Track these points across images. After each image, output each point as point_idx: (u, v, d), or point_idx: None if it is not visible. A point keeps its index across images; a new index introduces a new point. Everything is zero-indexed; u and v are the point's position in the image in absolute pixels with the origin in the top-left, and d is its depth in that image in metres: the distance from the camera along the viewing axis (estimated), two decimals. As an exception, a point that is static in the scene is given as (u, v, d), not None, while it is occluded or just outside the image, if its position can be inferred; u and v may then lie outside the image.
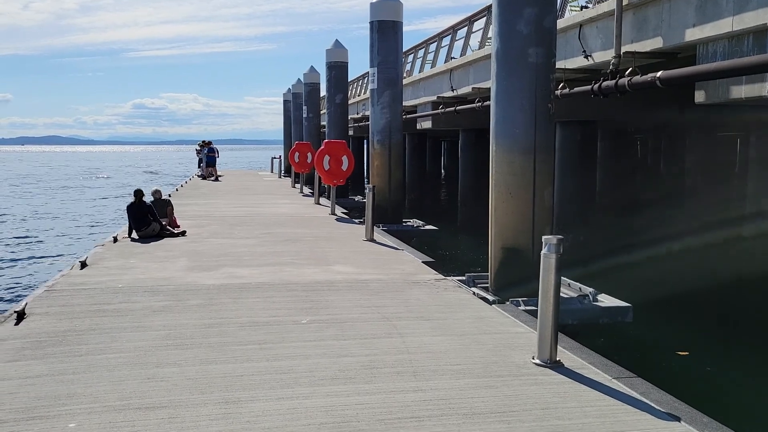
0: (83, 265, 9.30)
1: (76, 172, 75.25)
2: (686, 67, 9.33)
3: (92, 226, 26.08)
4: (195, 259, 10.07)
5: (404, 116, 20.19)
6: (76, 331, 6.14)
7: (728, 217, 16.27)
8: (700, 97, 9.65)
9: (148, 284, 8.23)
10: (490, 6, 9.65)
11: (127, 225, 12.31)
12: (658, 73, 9.44)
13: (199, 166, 32.12)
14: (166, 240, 11.88)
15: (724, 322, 11.33)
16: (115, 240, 11.74)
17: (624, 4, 10.47)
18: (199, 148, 32.52)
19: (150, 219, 12.06)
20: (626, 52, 10.52)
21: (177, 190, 24.11)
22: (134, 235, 12.05)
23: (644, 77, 9.78)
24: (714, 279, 13.13)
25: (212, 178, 30.41)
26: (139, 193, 12.23)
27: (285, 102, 40.82)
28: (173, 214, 13.09)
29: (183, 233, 12.50)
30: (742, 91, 8.79)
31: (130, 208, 12.13)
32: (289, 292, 7.92)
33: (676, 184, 19.58)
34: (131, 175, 68.13)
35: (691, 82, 9.51)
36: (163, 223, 12.47)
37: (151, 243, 11.54)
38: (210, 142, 33.07)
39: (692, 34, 9.45)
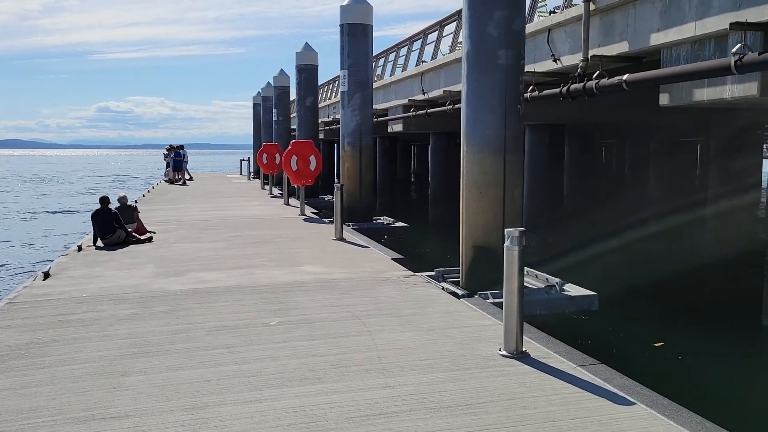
0: (46, 275, 9.05)
1: (35, 177, 73.40)
2: (651, 70, 9.52)
3: (53, 236, 25.22)
4: (162, 265, 9.89)
5: (375, 119, 20.21)
6: (38, 343, 5.96)
7: (685, 220, 16.70)
8: (664, 99, 9.84)
9: (114, 292, 8.04)
10: (461, 11, 9.71)
11: (92, 233, 12.03)
12: (625, 76, 9.61)
13: (166, 170, 31.71)
14: (132, 247, 11.64)
15: (680, 308, 11.69)
16: (80, 249, 11.44)
17: (591, 9, 10.63)
18: (166, 152, 32.09)
19: (115, 226, 11.80)
20: (594, 56, 10.69)
21: (144, 195, 23.70)
22: (99, 243, 11.77)
23: (611, 80, 9.95)
24: (668, 270, 13.54)
25: (180, 182, 30.02)
26: (104, 200, 11.94)
27: (255, 105, 40.57)
28: (140, 219, 12.88)
29: (150, 239, 12.27)
30: (704, 93, 8.98)
31: (96, 216, 11.83)
32: (258, 295, 7.84)
33: (641, 188, 20.00)
34: (93, 180, 66.07)
35: (656, 84, 9.70)
36: (130, 229, 12.27)
37: (117, 250, 11.30)
38: (182, 146, 32.90)
39: (657, 39, 9.64)
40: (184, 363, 5.36)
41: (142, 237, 12.26)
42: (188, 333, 6.25)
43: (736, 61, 7.61)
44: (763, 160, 19.68)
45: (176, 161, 30.67)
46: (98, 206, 11.92)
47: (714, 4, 8.64)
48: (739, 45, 7.71)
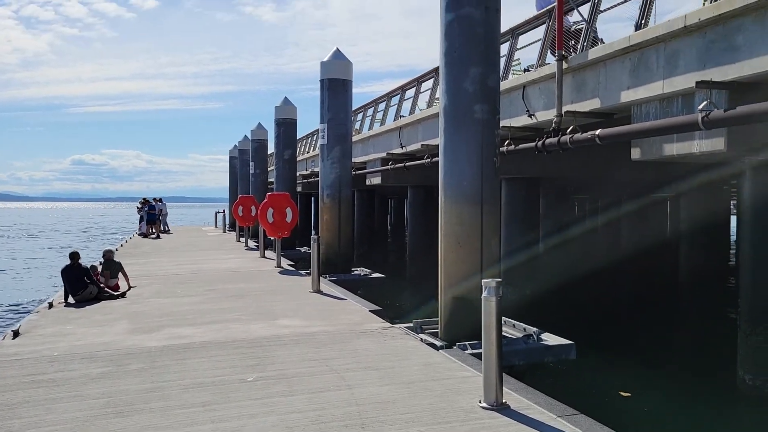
0: (16, 334, 8.76)
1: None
2: (622, 126, 9.82)
3: (21, 292, 24.47)
4: (136, 321, 9.67)
5: (354, 172, 20.39)
6: (7, 405, 5.73)
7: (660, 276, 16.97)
8: (636, 153, 10.12)
9: (86, 350, 7.81)
10: (437, 68, 10.01)
11: (63, 290, 11.76)
12: (597, 131, 9.90)
13: (140, 224, 31.34)
14: (105, 303, 11.36)
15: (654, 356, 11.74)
16: (51, 306, 11.14)
17: (564, 67, 11.01)
18: (140, 205, 31.79)
19: (87, 282, 11.56)
20: (567, 112, 11.01)
21: (117, 249, 23.30)
22: (71, 299, 11.50)
23: (584, 135, 10.23)
24: (647, 319, 13.63)
25: (154, 236, 29.67)
26: (74, 256, 11.71)
27: (231, 158, 40.68)
28: (126, 274, 12.82)
29: (123, 295, 12.05)
30: (674, 148, 9.28)
31: (66, 272, 11.56)
32: (234, 350, 7.68)
33: (614, 242, 20.35)
34: (62, 234, 63.89)
35: (628, 139, 10.00)
36: (109, 284, 12.09)
37: (89, 307, 11.01)
38: (160, 200, 33.01)
39: (627, 96, 9.99)
40: (159, 422, 5.20)
41: (116, 293, 12.04)
42: (163, 391, 6.07)
43: (703, 118, 7.91)
44: (731, 216, 20.20)
45: (150, 214, 30.37)
46: (68, 262, 11.69)
47: (680, 64, 9.03)
48: (705, 102, 8.02)
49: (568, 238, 17.67)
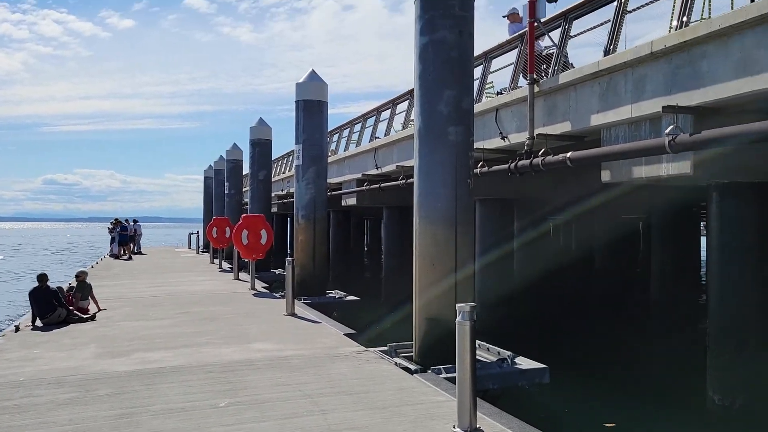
0: (-20, 358, 8.56)
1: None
2: (593, 149, 10.00)
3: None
4: (105, 344, 9.50)
5: (329, 193, 20.37)
6: (-31, 431, 5.59)
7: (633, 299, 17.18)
8: (605, 176, 10.30)
9: (53, 375, 7.65)
10: (413, 90, 10.11)
11: (30, 312, 11.51)
12: (569, 154, 10.07)
13: (111, 245, 30.85)
14: (73, 326, 11.15)
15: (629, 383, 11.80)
16: (17, 329, 10.90)
17: (535, 91, 11.21)
18: (111, 226, 31.31)
19: (55, 304, 11.33)
20: (539, 135, 11.17)
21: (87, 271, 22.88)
22: (38, 322, 11.25)
23: (556, 157, 10.39)
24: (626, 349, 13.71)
25: (125, 257, 29.23)
26: (42, 278, 11.49)
27: (206, 179, 40.41)
28: (94, 296, 12.63)
29: (93, 317, 11.83)
30: (642, 171, 9.46)
31: (33, 294, 11.33)
32: (206, 375, 7.58)
33: (587, 263, 20.56)
34: (28, 256, 61.68)
35: (598, 162, 10.17)
36: (87, 306, 11.95)
37: (57, 330, 10.80)
38: (135, 220, 32.83)
39: (596, 120, 10.19)
40: (127, 450, 5.09)
41: (85, 315, 11.81)
42: (132, 417, 5.96)
43: (669, 142, 8.10)
44: (701, 238, 20.58)
45: (122, 235, 29.95)
46: (36, 284, 11.46)
47: (647, 88, 9.25)
48: (671, 126, 8.23)
49: (541, 259, 17.83)
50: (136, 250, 32.80)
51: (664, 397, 10.95)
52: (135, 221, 33.39)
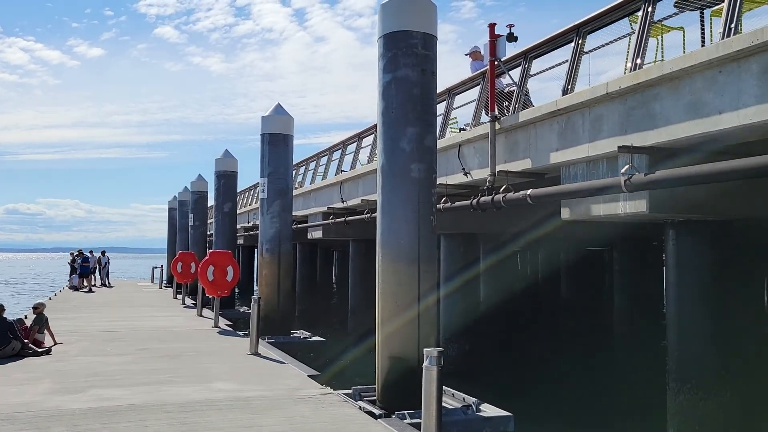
0: (-74, 392, 8.23)
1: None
2: (551, 186, 10.21)
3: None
4: (60, 380, 9.24)
5: (295, 225, 20.30)
6: None
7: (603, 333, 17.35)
8: (565, 213, 10.49)
9: (3, 411, 7.42)
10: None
11: None
12: (529, 191, 10.25)
13: (70, 276, 30.05)
14: (27, 360, 10.87)
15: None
16: (-33, 362, 10.56)
17: (497, 128, 11.43)
18: (72, 257, 30.51)
19: (10, 337, 11.03)
20: (500, 171, 11.36)
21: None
22: (-9, 355, 10.93)
23: (516, 194, 10.56)
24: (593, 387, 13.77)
25: (85, 290, 28.55)
26: None
27: (170, 210, 39.83)
28: (50, 329, 12.33)
29: (48, 351, 11.51)
30: (600, 209, 9.66)
31: None
32: (164, 414, 7.42)
33: (554, 296, 20.79)
34: None
35: (557, 200, 10.37)
36: (42, 340, 11.71)
37: (10, 364, 10.50)
38: (103, 252, 32.87)
39: (556, 157, 10.42)
40: (75, 497, 4.93)
41: (40, 349, 11.49)
42: (84, 459, 5.79)
43: (625, 181, 8.32)
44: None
45: (83, 267, 29.26)
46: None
47: (604, 128, 9.52)
48: (627, 166, 8.45)
49: (507, 293, 17.97)
50: (104, 283, 32.45)
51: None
52: (103, 252, 33.13)
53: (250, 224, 32.74)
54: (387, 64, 8.70)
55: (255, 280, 30.87)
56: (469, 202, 11.82)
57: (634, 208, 9.02)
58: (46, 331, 12.24)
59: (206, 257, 16.57)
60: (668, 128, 8.49)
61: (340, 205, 20.16)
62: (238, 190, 27.55)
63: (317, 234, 21.87)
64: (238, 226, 28.44)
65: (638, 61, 9.21)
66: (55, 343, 12.23)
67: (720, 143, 8.43)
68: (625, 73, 9.41)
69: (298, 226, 22.57)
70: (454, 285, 15.36)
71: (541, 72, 11.58)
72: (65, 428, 6.78)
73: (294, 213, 18.63)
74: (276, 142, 16.14)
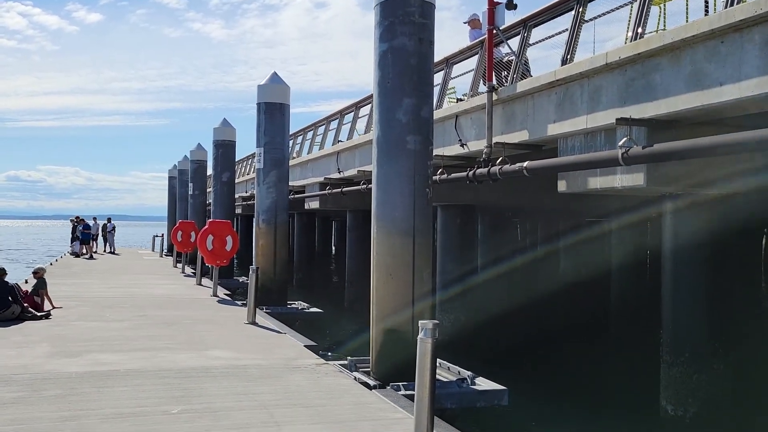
0: (-77, 353, 8.32)
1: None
2: (548, 159, 10.15)
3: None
4: (58, 344, 9.33)
5: (292, 196, 20.28)
6: None
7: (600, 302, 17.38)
8: (562, 186, 10.46)
9: (0, 373, 7.48)
10: (374, 94, 10.12)
11: None
12: (525, 163, 10.19)
13: (72, 243, 30.20)
14: (26, 323, 10.99)
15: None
16: (-35, 325, 10.66)
17: (494, 99, 11.31)
18: (74, 222, 30.58)
19: (9, 301, 11.14)
20: (497, 143, 11.28)
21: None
22: (-11, 318, 11.05)
23: (513, 166, 10.51)
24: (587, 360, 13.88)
25: (86, 256, 28.68)
26: (0, 272, 11.34)
27: (170, 179, 39.78)
28: (48, 294, 12.43)
29: (47, 315, 11.62)
30: (597, 182, 9.63)
31: None
32: (160, 380, 7.49)
33: (551, 268, 20.80)
34: None
35: (553, 172, 10.32)
36: (26, 304, 11.67)
37: (9, 327, 10.61)
38: (109, 219, 33.49)
39: (553, 129, 10.34)
40: (72, 456, 5.02)
41: (39, 313, 11.60)
42: (80, 420, 5.87)
43: (623, 154, 8.26)
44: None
45: (84, 234, 29.35)
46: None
47: (602, 100, 9.43)
48: (625, 139, 8.38)
49: (504, 265, 17.97)
50: (109, 250, 32.82)
51: (621, 409, 11.03)
52: (109, 219, 33.59)
53: (248, 194, 32.71)
54: (383, 33, 8.55)
55: (252, 250, 30.96)
56: (465, 173, 11.77)
57: (632, 181, 8.99)
58: (44, 296, 12.33)
59: (205, 227, 16.60)
60: (668, 100, 8.41)
61: (336, 175, 20.12)
62: (238, 159, 27.47)
63: (314, 204, 21.88)
64: (237, 196, 28.40)
65: (639, 30, 9.08)
66: (54, 308, 12.33)
67: (720, 115, 8.36)
68: (625, 42, 9.28)
69: (295, 196, 22.54)
70: (451, 256, 15.36)
71: (541, 41, 11.43)
72: (61, 390, 6.86)
73: (291, 183, 18.59)
74: (272, 112, 16.02)
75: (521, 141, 11.10)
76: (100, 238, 32.81)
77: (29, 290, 12.19)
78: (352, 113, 20.56)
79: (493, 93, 11.26)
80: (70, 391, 6.86)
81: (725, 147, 7.28)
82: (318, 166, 22.72)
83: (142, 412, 6.21)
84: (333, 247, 42.62)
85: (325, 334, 16.05)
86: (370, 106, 18.80)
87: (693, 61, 8.09)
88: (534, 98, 10.79)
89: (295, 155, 25.51)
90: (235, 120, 23.69)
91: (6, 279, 11.47)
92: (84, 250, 29.19)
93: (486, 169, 11.04)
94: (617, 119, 8.67)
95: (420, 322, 5.36)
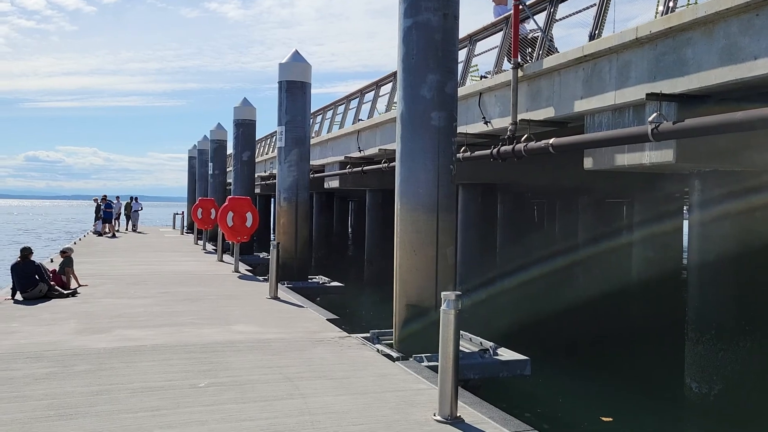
0: (-43, 331, 8.48)
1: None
2: (575, 135, 10.01)
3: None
4: (85, 321, 9.46)
5: (312, 175, 20.28)
6: (-56, 404, 5.54)
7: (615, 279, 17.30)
8: (588, 163, 10.32)
9: (31, 350, 7.60)
10: (396, 72, 10.02)
11: (11, 286, 11.49)
12: (551, 140, 10.06)
13: (95, 222, 30.63)
14: (54, 301, 11.13)
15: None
16: (-4, 302, 10.85)
17: (519, 75, 11.16)
18: (98, 202, 30.96)
19: (37, 279, 11.31)
20: (522, 120, 11.15)
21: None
22: (18, 296, 11.22)
23: (538, 143, 10.38)
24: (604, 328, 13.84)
25: (109, 235, 29.03)
26: (26, 251, 11.51)
27: (190, 158, 40.04)
28: (74, 272, 12.65)
29: (74, 293, 11.79)
30: (625, 159, 9.49)
31: (15, 268, 11.35)
32: (186, 354, 7.57)
33: (571, 246, 20.70)
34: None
35: (580, 149, 10.18)
36: (68, 282, 12.05)
37: (38, 305, 10.77)
38: (135, 198, 34.30)
39: (580, 106, 10.18)
40: (104, 427, 5.09)
41: (66, 291, 11.77)
42: (111, 394, 5.95)
43: (652, 130, 8.11)
44: (684, 221, 20.77)
45: (106, 213, 29.70)
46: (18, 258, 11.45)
47: (632, 75, 9.25)
48: (655, 114, 8.22)
49: (524, 242, 17.92)
50: (132, 228, 33.38)
51: (644, 387, 11.04)
52: (136, 199, 34.27)
53: (267, 173, 32.80)
54: (408, 8, 8.42)
55: (272, 229, 31.13)
56: (489, 151, 11.66)
57: (661, 158, 8.85)
58: (71, 274, 12.53)
59: (225, 203, 16.68)
60: (700, 74, 8.22)
61: (357, 154, 20.06)
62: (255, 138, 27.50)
63: (334, 183, 21.88)
64: (255, 175, 28.54)
65: (671, 4, 8.88)
66: (80, 285, 12.52)
67: (754, 90, 8.16)
68: (655, 17, 9.09)
69: (315, 175, 22.56)
70: (472, 234, 15.29)
71: (566, 17, 11.22)
72: (90, 365, 6.95)
73: (311, 162, 18.59)
74: (293, 90, 15.97)
75: (547, 118, 10.96)
76: (122, 217, 33.24)
77: (56, 269, 12.37)
78: (373, 92, 20.43)
79: (519, 69, 11.10)
80: (99, 366, 6.95)
81: (760, 121, 7.10)
82: (338, 145, 22.68)
83: (170, 385, 6.27)
84: (350, 228, 42.79)
85: (347, 308, 16.12)
86: (391, 84, 18.68)
87: (727, 35, 7.89)
88: (560, 74, 10.62)
89: (314, 134, 25.48)
90: (251, 101, 23.70)
91: (32, 258, 11.61)
92: (107, 229, 29.55)
93: (511, 147, 10.92)
94: (647, 94, 8.51)
95: (443, 293, 5.37)
